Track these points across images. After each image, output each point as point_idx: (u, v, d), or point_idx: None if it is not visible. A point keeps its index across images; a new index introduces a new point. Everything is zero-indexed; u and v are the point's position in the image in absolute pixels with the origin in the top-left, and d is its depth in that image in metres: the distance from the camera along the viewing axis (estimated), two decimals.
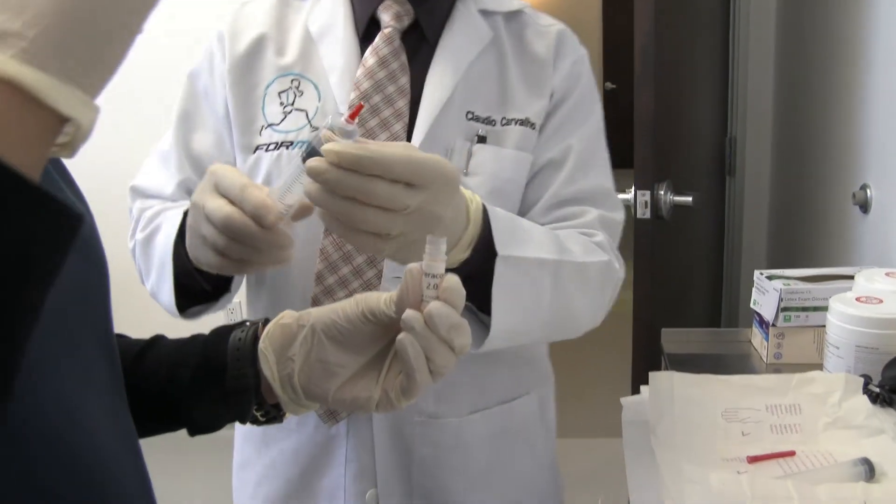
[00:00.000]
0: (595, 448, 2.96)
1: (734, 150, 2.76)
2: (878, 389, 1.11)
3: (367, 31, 0.98)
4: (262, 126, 0.97)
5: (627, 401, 1.15)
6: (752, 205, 2.75)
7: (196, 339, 0.71)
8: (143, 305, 3.30)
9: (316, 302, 0.92)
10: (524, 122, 0.97)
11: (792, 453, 0.99)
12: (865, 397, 1.05)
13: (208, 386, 0.66)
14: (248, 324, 0.70)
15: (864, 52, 1.96)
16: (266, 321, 0.68)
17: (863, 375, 1.15)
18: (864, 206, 1.92)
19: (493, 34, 0.99)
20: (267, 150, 0.95)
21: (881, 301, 1.33)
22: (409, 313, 0.59)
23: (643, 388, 1.16)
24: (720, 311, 2.75)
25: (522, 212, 0.98)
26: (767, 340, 1.58)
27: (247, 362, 0.66)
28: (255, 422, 0.68)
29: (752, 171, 2.74)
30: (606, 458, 2.83)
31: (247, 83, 0.99)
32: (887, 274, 1.48)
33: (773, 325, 1.56)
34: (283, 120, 0.96)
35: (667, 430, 1.02)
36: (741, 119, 2.71)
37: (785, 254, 2.62)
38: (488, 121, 0.96)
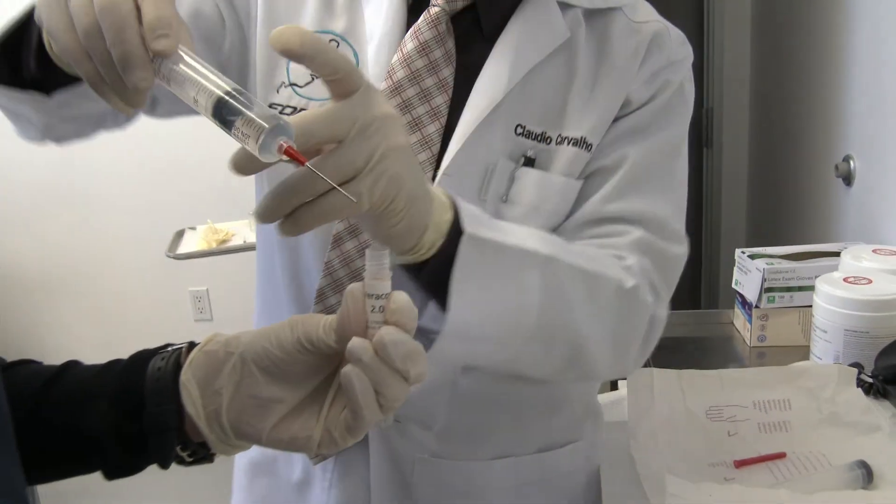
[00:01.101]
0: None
1: (711, 121, 2.67)
2: (871, 380, 1.03)
3: (415, 3, 0.80)
4: (283, 84, 0.81)
5: (605, 398, 1.07)
6: (730, 178, 2.67)
7: (113, 366, 0.61)
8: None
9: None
10: (578, 143, 0.79)
11: (782, 455, 0.92)
12: (860, 391, 0.98)
13: (123, 423, 0.56)
14: (170, 349, 0.60)
15: (845, 16, 1.87)
16: (192, 346, 0.59)
17: (854, 364, 1.08)
18: (848, 179, 1.84)
19: (569, 35, 0.79)
20: (282, 113, 0.79)
21: (870, 281, 1.26)
22: (355, 343, 0.50)
23: (621, 383, 1.08)
24: (699, 290, 2.69)
25: (548, 223, 0.81)
26: (751, 323, 1.51)
27: (167, 396, 0.56)
28: (182, 462, 0.58)
29: (730, 143, 2.66)
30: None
31: (280, 24, 0.76)
32: (875, 251, 1.40)
33: (757, 306, 1.49)
34: (308, 83, 0.80)
35: (647, 434, 0.94)
36: (717, 89, 2.62)
37: (766, 229, 2.55)
38: (542, 138, 0.78)
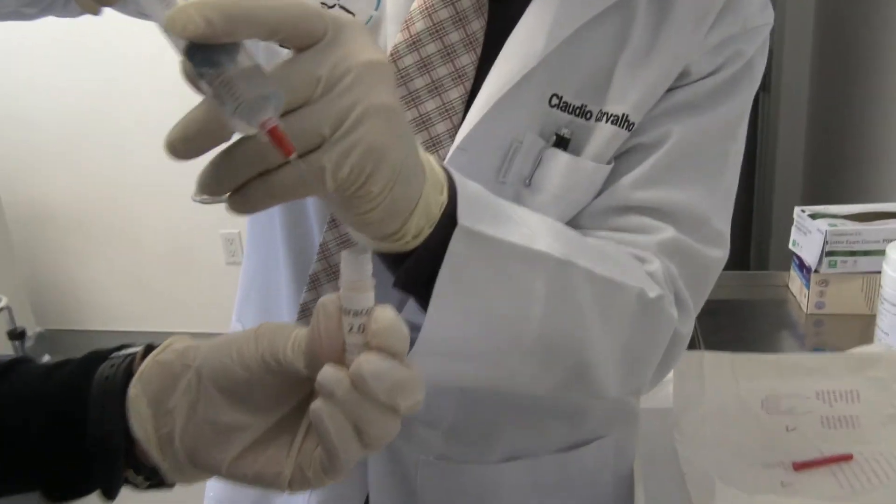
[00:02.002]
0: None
1: (769, 60, 2.48)
2: None
3: None
4: None
5: None
6: (788, 125, 2.48)
7: (62, 367, 0.52)
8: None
9: (306, 311, 0.70)
10: (619, 121, 0.66)
11: (849, 457, 0.81)
12: None
13: (65, 441, 0.48)
14: (122, 352, 0.51)
15: None
16: (148, 350, 0.49)
17: None
18: None
19: None
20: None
21: None
22: (326, 374, 0.40)
23: None
24: (748, 250, 2.54)
25: (572, 213, 0.69)
26: (808, 288, 1.40)
27: (114, 413, 0.47)
28: (136, 487, 0.50)
29: (790, 85, 2.47)
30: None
31: None
32: None
33: (816, 270, 1.37)
34: None
35: (694, 426, 0.85)
36: (778, 23, 2.42)
37: (826, 184, 2.37)
38: (580, 112, 0.66)
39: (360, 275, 0.39)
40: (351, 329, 0.40)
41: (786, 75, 2.47)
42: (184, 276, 3.13)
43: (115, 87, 2.89)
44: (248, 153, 0.39)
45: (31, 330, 2.67)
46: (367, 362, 0.39)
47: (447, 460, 0.75)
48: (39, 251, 3.19)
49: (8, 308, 1.60)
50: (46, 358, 2.51)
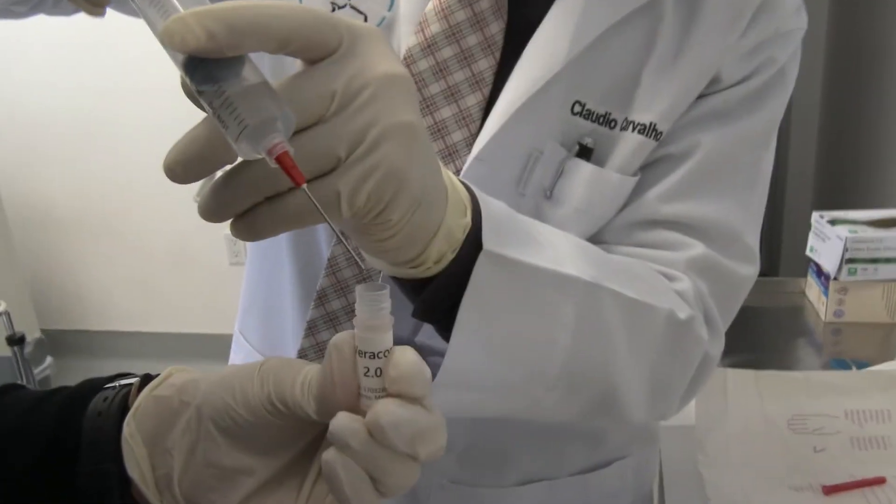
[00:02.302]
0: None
1: None
2: None
3: None
4: None
5: None
6: (800, 128, 2.44)
7: (54, 396, 0.49)
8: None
9: (312, 329, 0.66)
10: (646, 130, 0.62)
11: (882, 481, 0.78)
12: None
13: (54, 479, 0.45)
14: (118, 383, 0.47)
15: None
16: (145, 381, 0.46)
17: None
18: None
19: None
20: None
21: None
22: (340, 423, 0.36)
23: None
24: (760, 254, 2.50)
25: (595, 228, 0.65)
26: (827, 296, 1.36)
27: (107, 451, 0.44)
28: None
29: (802, 87, 2.43)
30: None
31: None
32: None
33: (835, 278, 1.34)
34: None
35: (718, 447, 0.81)
36: None
37: (839, 188, 2.33)
38: (605, 120, 0.62)
39: (377, 311, 0.36)
40: (367, 372, 0.36)
41: (798, 77, 2.43)
42: (187, 276, 3.10)
43: (118, 87, 2.86)
44: (255, 177, 0.36)
45: (34, 332, 2.65)
46: (387, 413, 0.35)
47: (461, 484, 0.72)
48: (41, 252, 3.16)
49: (7, 313, 1.56)
50: (49, 360, 2.47)
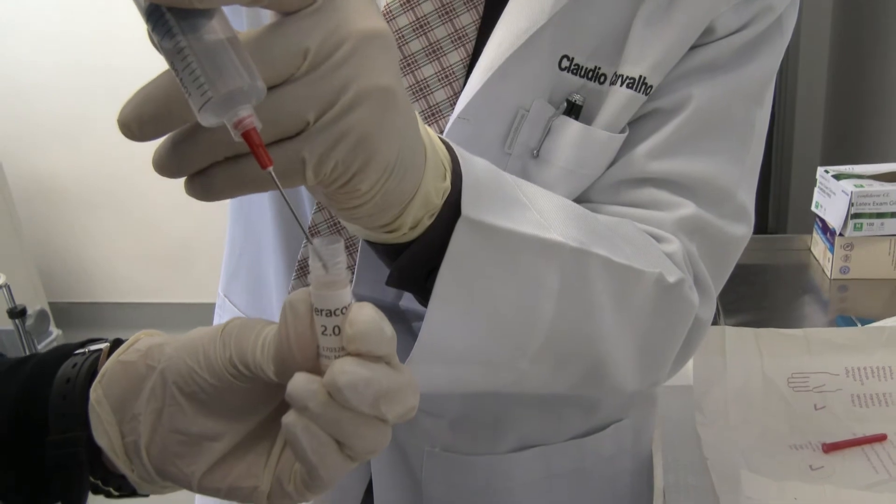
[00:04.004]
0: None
1: None
2: None
3: None
4: None
5: None
6: (807, 82, 2.39)
7: (23, 364, 0.47)
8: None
9: None
10: (635, 84, 0.59)
11: (882, 437, 0.77)
12: None
13: (23, 447, 0.44)
14: (88, 349, 0.46)
15: None
16: (115, 346, 0.45)
17: None
18: None
19: None
20: None
21: None
22: (297, 384, 0.34)
23: None
24: (766, 212, 2.46)
25: (583, 187, 0.63)
26: (832, 252, 1.34)
27: (75, 419, 0.43)
28: (109, 496, 0.46)
29: (810, 39, 2.37)
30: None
31: None
32: None
33: (841, 234, 1.31)
34: None
35: (716, 406, 0.80)
36: None
37: (848, 142, 2.28)
38: (594, 75, 0.59)
39: (332, 269, 0.34)
40: (325, 331, 0.34)
41: (805, 29, 2.37)
42: (191, 247, 3.09)
43: (121, 61, 2.83)
44: (216, 137, 0.34)
45: (42, 304, 2.66)
46: (343, 373, 0.34)
47: (454, 452, 0.70)
48: (47, 226, 3.17)
49: (7, 286, 1.56)
50: (56, 333, 2.49)
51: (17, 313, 1.53)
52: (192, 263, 3.13)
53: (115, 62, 2.85)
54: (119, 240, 3.16)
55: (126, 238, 3.16)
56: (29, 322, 1.55)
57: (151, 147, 0.35)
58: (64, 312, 3.10)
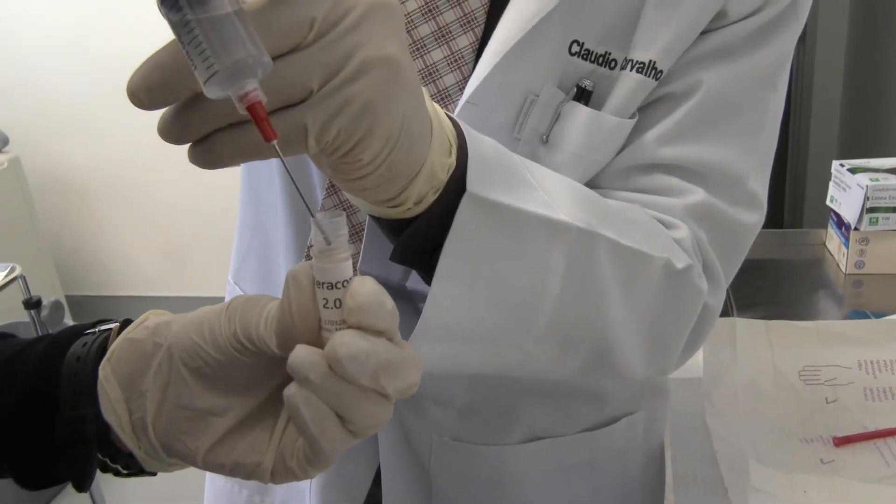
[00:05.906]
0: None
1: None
2: None
3: None
4: None
5: None
6: (824, 74, 2.37)
7: (35, 345, 0.48)
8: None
9: None
10: (645, 69, 0.58)
11: (895, 432, 0.75)
12: None
13: (35, 425, 0.44)
14: (98, 328, 0.46)
15: None
16: (125, 325, 0.45)
17: None
18: None
19: None
20: None
21: None
22: (298, 356, 0.35)
23: None
24: (782, 206, 2.44)
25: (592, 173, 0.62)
26: (847, 246, 1.33)
27: (86, 396, 0.43)
28: (117, 474, 0.47)
29: (827, 31, 2.35)
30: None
31: None
32: None
33: (856, 228, 1.30)
34: None
35: (726, 398, 0.79)
36: None
37: (865, 136, 2.26)
38: (604, 60, 0.59)
39: (334, 241, 0.34)
40: (326, 304, 0.35)
41: (822, 20, 2.35)
42: (208, 239, 3.11)
43: (137, 50, 2.84)
44: (219, 104, 0.34)
45: (58, 296, 2.68)
46: (343, 344, 0.34)
47: (463, 441, 0.70)
48: (64, 218, 3.19)
49: (22, 276, 1.58)
50: (69, 324, 2.51)
51: (33, 304, 1.54)
52: (206, 257, 3.14)
53: (131, 56, 2.86)
54: (134, 233, 3.18)
55: (141, 232, 3.18)
56: (44, 313, 1.56)
57: (165, 144, 0.36)
58: (79, 305, 3.12)
